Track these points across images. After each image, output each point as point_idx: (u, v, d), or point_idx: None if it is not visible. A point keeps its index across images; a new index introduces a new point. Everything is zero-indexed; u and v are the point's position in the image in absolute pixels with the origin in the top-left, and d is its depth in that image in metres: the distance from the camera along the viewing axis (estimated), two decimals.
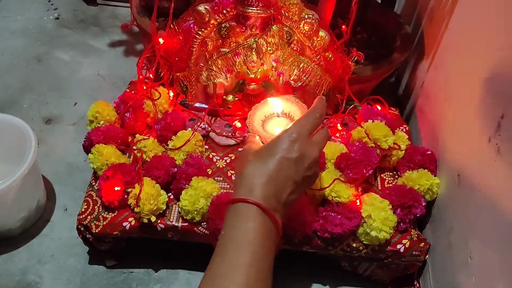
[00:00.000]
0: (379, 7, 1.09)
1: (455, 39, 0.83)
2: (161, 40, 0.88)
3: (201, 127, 0.88)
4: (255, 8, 0.79)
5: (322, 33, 0.82)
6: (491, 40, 0.67)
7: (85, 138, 0.86)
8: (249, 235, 0.52)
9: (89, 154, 0.83)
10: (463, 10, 0.80)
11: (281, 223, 0.57)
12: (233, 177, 0.82)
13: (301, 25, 0.81)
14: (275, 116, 0.70)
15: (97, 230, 0.78)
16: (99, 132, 0.84)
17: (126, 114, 0.88)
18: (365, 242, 0.75)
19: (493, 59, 0.64)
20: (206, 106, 0.92)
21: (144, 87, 0.92)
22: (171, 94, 0.93)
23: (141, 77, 0.92)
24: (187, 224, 0.77)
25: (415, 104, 0.99)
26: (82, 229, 0.79)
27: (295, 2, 0.80)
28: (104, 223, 0.78)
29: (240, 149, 0.63)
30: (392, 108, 0.96)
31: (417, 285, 0.83)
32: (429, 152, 0.83)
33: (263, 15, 0.79)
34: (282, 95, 0.71)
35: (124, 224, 0.77)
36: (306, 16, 0.80)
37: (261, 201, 0.54)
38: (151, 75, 0.94)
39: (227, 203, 0.56)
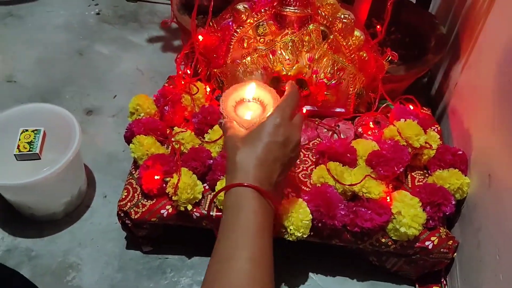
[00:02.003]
0: (414, 7, 1.09)
1: (491, 40, 0.83)
2: (200, 37, 0.92)
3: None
4: (292, 8, 0.81)
5: (357, 33, 0.84)
6: None
7: (126, 129, 0.90)
8: (249, 216, 0.57)
9: (130, 144, 0.87)
10: (500, 11, 0.81)
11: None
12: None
13: (337, 24, 0.83)
14: (246, 101, 0.72)
15: (136, 216, 0.82)
16: (140, 123, 0.88)
17: (165, 107, 0.92)
18: (394, 238, 0.77)
19: None
20: None
21: (182, 82, 0.96)
22: (208, 89, 0.97)
23: (180, 72, 0.96)
24: (221, 213, 0.80)
25: (447, 105, 1.00)
26: (122, 214, 0.83)
27: (331, 2, 0.82)
28: (143, 210, 0.82)
29: (225, 137, 0.66)
30: (425, 108, 0.97)
31: (444, 282, 0.84)
32: (460, 152, 0.84)
33: (300, 14, 0.82)
34: (250, 81, 0.73)
35: (162, 211, 0.81)
36: (342, 16, 0.82)
37: (256, 183, 0.58)
38: (188, 71, 0.98)
39: (224, 189, 0.60)
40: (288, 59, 0.87)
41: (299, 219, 0.74)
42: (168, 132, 0.92)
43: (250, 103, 0.72)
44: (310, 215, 0.76)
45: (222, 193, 0.77)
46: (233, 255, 0.54)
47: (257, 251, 0.55)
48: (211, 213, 0.80)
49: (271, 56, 0.88)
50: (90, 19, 1.50)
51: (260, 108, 0.71)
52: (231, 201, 0.59)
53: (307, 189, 0.83)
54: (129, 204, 0.83)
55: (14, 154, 0.94)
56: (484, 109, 0.82)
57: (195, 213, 0.81)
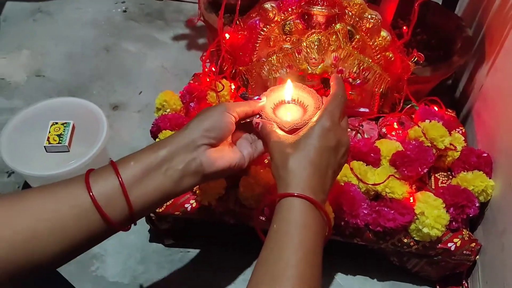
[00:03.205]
0: (440, 9, 1.09)
1: None
2: (227, 36, 0.93)
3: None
4: (319, 7, 0.82)
5: (383, 33, 0.84)
6: None
7: (153, 124, 0.92)
8: (301, 231, 0.53)
9: (156, 139, 0.88)
10: None
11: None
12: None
13: (364, 24, 0.83)
14: (285, 103, 0.69)
15: (160, 210, 0.83)
16: (166, 119, 0.90)
17: (190, 104, 0.94)
18: (416, 238, 0.77)
19: None
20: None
21: (208, 79, 0.97)
22: (233, 86, 0.98)
23: (206, 69, 0.97)
24: (243, 209, 0.81)
25: (472, 107, 1.00)
26: None
27: (358, 2, 0.82)
28: (167, 203, 0.83)
29: (269, 141, 0.62)
30: (449, 110, 0.96)
31: (465, 284, 0.84)
32: (485, 155, 0.83)
33: (327, 13, 0.82)
34: (288, 82, 0.69)
35: (186, 205, 0.82)
36: (369, 16, 0.82)
37: (310, 194, 0.55)
38: (213, 68, 0.99)
39: (277, 197, 0.57)
40: (314, 58, 0.88)
41: None
42: None
43: (290, 104, 0.69)
44: (333, 214, 0.76)
45: (243, 188, 0.79)
46: (284, 274, 0.51)
47: (308, 271, 0.52)
48: (233, 208, 0.81)
49: (296, 55, 0.88)
50: (117, 16, 1.53)
51: (300, 110, 0.68)
52: (283, 212, 0.55)
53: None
54: None
55: (44, 146, 0.96)
56: (510, 112, 0.81)
57: (218, 208, 0.82)
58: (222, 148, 0.64)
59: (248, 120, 0.67)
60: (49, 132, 0.97)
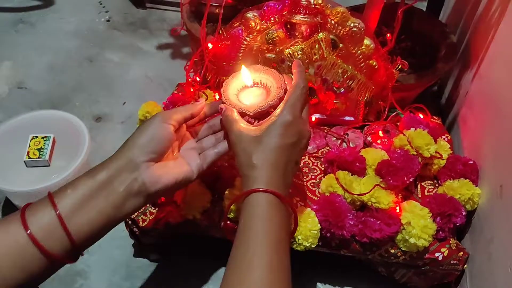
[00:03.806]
0: (424, 15, 1.09)
1: (503, 49, 0.82)
2: (209, 45, 0.92)
3: None
4: (302, 16, 0.81)
5: (367, 41, 0.83)
6: None
7: None
8: (266, 223, 0.55)
9: None
10: (511, 20, 0.80)
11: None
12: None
13: (347, 33, 0.83)
14: (249, 87, 0.69)
15: (144, 224, 0.82)
16: None
17: None
18: (403, 249, 0.76)
19: None
20: None
21: (192, 89, 0.96)
22: (217, 96, 0.97)
23: (189, 80, 0.96)
24: (229, 222, 0.80)
25: (458, 114, 0.99)
26: (129, 222, 0.83)
27: (341, 10, 0.82)
28: (150, 218, 0.82)
29: (231, 132, 0.62)
30: (435, 117, 0.96)
31: None
32: (471, 162, 0.83)
33: (310, 22, 0.82)
34: (250, 65, 0.69)
35: (170, 219, 0.81)
36: (352, 24, 0.82)
37: (273, 188, 0.57)
38: (197, 78, 0.98)
39: (242, 195, 0.58)
40: None
41: (307, 228, 0.74)
42: None
43: (253, 88, 0.69)
44: (319, 225, 0.75)
45: (228, 200, 0.77)
46: (252, 264, 0.53)
47: (275, 259, 0.54)
48: (220, 222, 0.80)
49: (280, 64, 0.87)
50: (100, 26, 1.51)
51: (264, 92, 0.68)
52: (248, 208, 0.57)
53: (316, 198, 0.82)
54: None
55: (24, 161, 0.94)
56: (495, 119, 0.81)
57: (203, 221, 0.80)
58: (165, 163, 0.62)
59: (192, 124, 0.68)
60: (29, 146, 0.95)
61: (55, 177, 0.88)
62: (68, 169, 0.89)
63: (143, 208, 0.83)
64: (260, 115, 0.64)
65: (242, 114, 0.64)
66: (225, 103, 0.66)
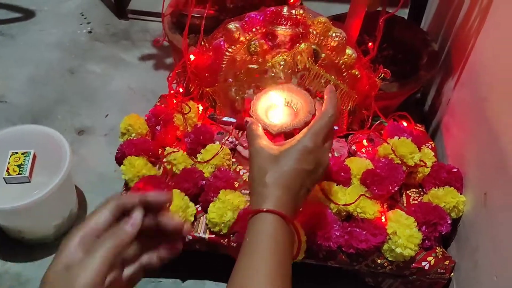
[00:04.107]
0: (406, 24, 1.09)
1: (483, 57, 0.83)
2: (192, 56, 0.91)
3: (229, 140, 0.91)
4: (284, 27, 0.81)
5: (349, 51, 0.83)
6: None
7: (117, 150, 0.89)
8: (273, 244, 0.54)
9: (121, 165, 0.86)
10: (491, 29, 0.81)
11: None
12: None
13: (329, 43, 0.83)
14: (278, 105, 0.69)
15: None
16: (131, 144, 0.87)
17: (157, 127, 0.91)
18: (390, 259, 0.76)
19: None
20: (234, 120, 0.94)
21: (175, 101, 0.95)
22: (200, 108, 0.96)
23: (172, 91, 0.95)
24: (214, 236, 0.79)
25: (441, 121, 1.00)
26: None
27: (322, 20, 0.82)
28: None
29: (252, 147, 0.62)
30: (418, 125, 0.96)
31: None
32: (455, 170, 0.83)
33: (291, 33, 0.81)
34: (284, 84, 0.70)
35: None
36: (334, 34, 0.82)
37: (283, 211, 0.56)
38: (181, 89, 0.97)
39: (251, 212, 0.57)
40: (281, 77, 0.86)
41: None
42: (160, 152, 0.90)
43: (284, 107, 0.69)
44: (305, 237, 0.74)
45: (213, 213, 0.76)
46: (254, 281, 0.52)
47: (278, 279, 0.53)
48: (204, 236, 0.79)
49: (263, 75, 0.87)
50: (82, 37, 1.49)
51: (292, 113, 0.68)
52: (256, 225, 0.56)
53: (301, 209, 0.81)
54: None
55: (3, 178, 0.92)
56: (477, 126, 0.81)
57: (188, 236, 0.79)
58: None
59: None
60: (9, 162, 0.93)
61: (37, 193, 0.86)
62: (49, 185, 0.87)
63: None
64: (283, 136, 0.64)
65: (266, 131, 0.64)
66: (252, 117, 0.66)
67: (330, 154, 0.64)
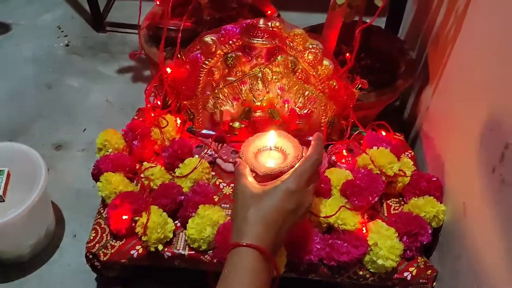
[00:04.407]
0: (383, 33, 1.10)
1: (459, 66, 0.83)
2: (168, 70, 0.90)
3: (208, 153, 0.89)
4: (260, 39, 0.81)
5: (326, 62, 0.83)
6: (494, 68, 0.67)
7: (93, 166, 0.87)
8: (251, 277, 0.57)
9: (98, 182, 0.84)
10: (467, 37, 0.81)
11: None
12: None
13: (306, 55, 0.82)
14: (267, 149, 0.72)
15: (105, 258, 0.78)
16: (107, 160, 0.85)
17: (134, 142, 0.90)
18: (371, 270, 0.75)
19: (498, 87, 0.65)
20: (213, 133, 0.94)
21: (152, 115, 0.94)
22: (178, 121, 0.95)
23: (149, 105, 0.94)
24: (193, 252, 0.78)
25: (420, 129, 1.00)
26: (90, 257, 0.80)
27: (299, 32, 0.81)
28: (112, 251, 0.78)
29: (237, 183, 0.65)
30: (397, 134, 0.96)
31: None
32: (435, 179, 0.83)
33: (268, 45, 0.81)
34: (275, 129, 0.73)
35: (132, 252, 0.78)
36: (310, 46, 0.82)
37: (263, 246, 0.58)
38: (158, 102, 0.96)
39: (231, 245, 0.59)
40: (259, 89, 0.86)
41: None
42: (137, 167, 0.89)
43: (272, 151, 0.72)
44: (285, 251, 0.73)
45: (192, 230, 0.75)
46: None
47: None
48: (183, 252, 0.78)
49: (241, 87, 0.86)
50: (59, 51, 1.47)
51: (281, 157, 0.70)
52: (235, 258, 0.58)
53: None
54: (97, 245, 0.79)
55: None
56: (455, 134, 0.81)
57: (166, 252, 0.78)
58: None
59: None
60: None
61: (12, 212, 0.84)
62: (25, 203, 0.85)
63: (104, 241, 0.79)
64: (269, 178, 0.65)
65: (253, 173, 0.67)
66: (241, 158, 0.68)
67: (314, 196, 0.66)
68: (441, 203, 0.81)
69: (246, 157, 0.69)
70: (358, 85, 0.86)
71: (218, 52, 0.85)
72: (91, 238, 0.80)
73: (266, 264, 0.58)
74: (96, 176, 0.86)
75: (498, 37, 0.67)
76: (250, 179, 0.65)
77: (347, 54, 0.89)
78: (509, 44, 0.63)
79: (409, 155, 0.91)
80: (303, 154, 0.67)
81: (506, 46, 0.64)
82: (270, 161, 0.70)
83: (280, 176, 0.64)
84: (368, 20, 0.86)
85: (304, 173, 0.63)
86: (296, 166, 0.64)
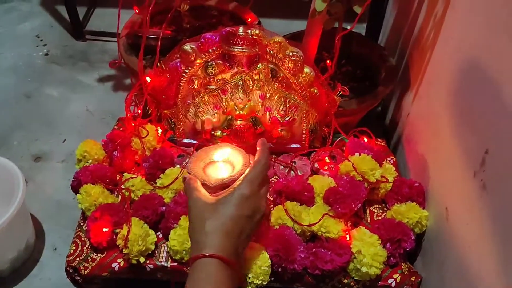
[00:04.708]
0: (363, 40, 1.10)
1: (439, 71, 0.84)
2: (148, 79, 0.89)
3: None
4: (240, 47, 0.80)
5: (307, 69, 0.83)
6: (473, 73, 0.68)
7: (73, 178, 0.85)
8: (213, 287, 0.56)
9: (78, 194, 0.82)
10: (446, 43, 0.82)
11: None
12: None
13: (286, 62, 0.82)
14: (216, 162, 0.72)
15: (86, 272, 0.77)
16: (87, 171, 0.84)
17: (114, 152, 0.88)
18: (356, 278, 0.75)
19: (477, 94, 0.65)
20: (195, 142, 0.93)
21: (133, 124, 0.92)
22: (159, 130, 0.93)
23: (129, 115, 0.93)
24: (176, 264, 0.76)
25: (401, 135, 1.00)
26: (71, 271, 0.78)
27: (279, 40, 0.81)
28: (93, 265, 0.77)
29: (190, 198, 0.64)
30: (379, 140, 0.96)
31: None
32: (417, 184, 0.83)
33: (248, 53, 0.81)
34: (220, 144, 0.75)
35: (113, 265, 0.76)
36: (291, 54, 0.81)
37: (224, 255, 0.58)
38: (139, 111, 0.94)
39: (192, 259, 0.59)
40: (240, 98, 0.85)
41: (257, 265, 0.71)
42: (118, 178, 0.88)
43: (220, 163, 0.72)
44: (269, 261, 0.73)
45: (174, 241, 0.74)
46: None
47: None
48: (165, 264, 0.76)
49: (222, 95, 0.86)
50: (38, 60, 1.45)
51: (229, 168, 0.70)
52: (198, 272, 0.58)
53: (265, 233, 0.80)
54: (78, 259, 0.78)
55: None
56: (436, 139, 0.82)
57: (148, 265, 0.76)
58: None
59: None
60: None
61: None
62: (3, 217, 0.83)
63: (84, 254, 0.78)
64: (221, 188, 0.65)
65: (205, 186, 0.66)
66: (190, 173, 0.67)
67: (267, 201, 0.68)
68: (423, 208, 0.81)
69: (195, 171, 0.68)
70: (339, 92, 0.86)
71: (198, 60, 0.84)
72: (71, 251, 0.79)
73: (230, 273, 0.58)
74: (75, 188, 0.85)
75: (475, 41, 0.68)
76: (202, 191, 0.64)
77: (328, 61, 0.89)
78: (486, 48, 0.64)
79: (391, 161, 0.91)
80: (251, 162, 0.67)
81: (483, 51, 0.65)
82: (219, 173, 0.70)
83: (232, 184, 0.64)
84: (348, 27, 0.87)
85: (256, 178, 0.63)
86: (246, 172, 0.64)
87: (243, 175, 0.64)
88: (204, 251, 0.58)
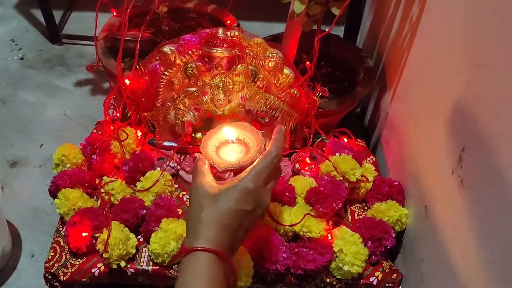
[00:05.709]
0: (342, 42, 1.12)
1: (415, 72, 0.85)
2: (127, 81, 0.88)
3: (170, 166, 0.88)
4: (220, 49, 0.80)
5: (286, 71, 0.83)
6: (449, 75, 0.69)
7: (51, 183, 0.84)
8: (206, 283, 0.53)
9: (56, 199, 0.81)
10: (422, 44, 0.83)
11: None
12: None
13: (266, 64, 0.82)
14: (230, 142, 0.69)
15: (65, 278, 0.75)
16: (65, 176, 0.83)
17: (93, 156, 0.87)
18: (338, 277, 0.75)
19: (453, 93, 0.67)
20: (175, 145, 0.92)
21: (111, 127, 0.91)
22: (139, 133, 0.93)
23: (107, 118, 0.92)
24: (157, 267, 0.76)
25: (380, 135, 1.02)
26: (49, 277, 0.77)
27: (259, 41, 0.81)
28: (72, 270, 0.75)
29: (193, 182, 0.61)
30: (359, 140, 0.97)
31: None
32: (396, 183, 0.84)
33: (228, 55, 0.81)
34: (236, 122, 0.70)
35: (93, 270, 0.75)
36: (270, 55, 0.82)
37: (219, 248, 0.55)
38: (118, 114, 0.93)
39: (186, 250, 0.56)
40: (220, 99, 0.85)
41: (240, 267, 0.71)
42: (97, 182, 0.86)
43: (234, 144, 0.69)
44: (252, 262, 0.73)
45: (155, 244, 0.73)
46: None
47: None
48: (147, 268, 0.75)
49: (202, 97, 0.86)
50: (13, 64, 1.42)
51: (243, 150, 0.67)
52: (191, 264, 0.55)
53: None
54: (56, 265, 0.76)
55: None
56: (414, 138, 0.83)
57: (129, 269, 0.75)
58: None
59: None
60: None
61: None
62: None
63: (63, 260, 0.76)
64: (231, 172, 0.63)
65: (213, 168, 0.63)
66: (201, 153, 0.65)
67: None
68: (403, 206, 0.82)
69: (206, 151, 0.65)
70: (319, 93, 0.87)
71: (178, 62, 0.84)
72: (50, 257, 0.77)
73: (223, 268, 0.56)
74: (53, 193, 0.83)
75: (451, 42, 0.69)
76: (208, 178, 0.61)
77: (307, 63, 0.90)
78: (462, 50, 0.65)
79: (371, 161, 0.92)
80: (265, 148, 0.64)
81: (459, 52, 0.66)
82: (232, 155, 0.67)
83: (240, 171, 0.61)
84: (327, 29, 0.87)
85: (263, 171, 0.60)
86: (255, 163, 0.61)
87: (251, 166, 0.61)
88: (199, 242, 0.55)
